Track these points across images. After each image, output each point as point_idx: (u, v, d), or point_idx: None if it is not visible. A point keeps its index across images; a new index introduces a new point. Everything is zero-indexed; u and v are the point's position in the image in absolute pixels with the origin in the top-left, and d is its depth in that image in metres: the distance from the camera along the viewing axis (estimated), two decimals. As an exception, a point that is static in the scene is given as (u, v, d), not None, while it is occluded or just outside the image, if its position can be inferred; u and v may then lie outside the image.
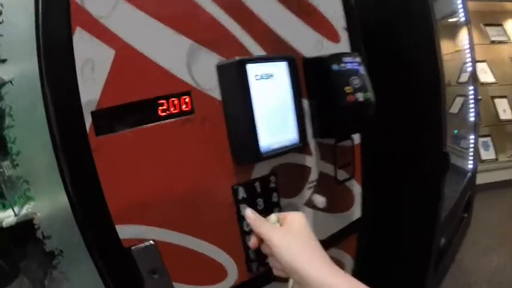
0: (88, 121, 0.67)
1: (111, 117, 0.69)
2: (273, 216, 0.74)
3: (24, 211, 1.14)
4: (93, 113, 0.67)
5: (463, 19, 2.36)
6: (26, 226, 1.10)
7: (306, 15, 1.00)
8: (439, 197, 1.48)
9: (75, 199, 0.70)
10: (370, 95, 0.96)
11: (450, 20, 2.54)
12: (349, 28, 1.12)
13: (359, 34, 1.15)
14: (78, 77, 0.66)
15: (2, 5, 0.90)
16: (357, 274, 1.27)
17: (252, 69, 0.76)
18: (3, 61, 0.87)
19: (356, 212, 1.19)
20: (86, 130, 0.67)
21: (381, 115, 1.01)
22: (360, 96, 0.92)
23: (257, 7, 0.88)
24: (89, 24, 0.68)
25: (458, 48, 2.73)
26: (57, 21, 0.67)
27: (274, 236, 0.68)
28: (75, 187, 0.69)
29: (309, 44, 0.98)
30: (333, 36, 1.07)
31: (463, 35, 2.55)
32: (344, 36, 1.10)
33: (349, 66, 0.92)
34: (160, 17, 0.75)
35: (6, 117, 0.86)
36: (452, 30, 2.61)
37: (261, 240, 0.73)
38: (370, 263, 1.34)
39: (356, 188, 1.16)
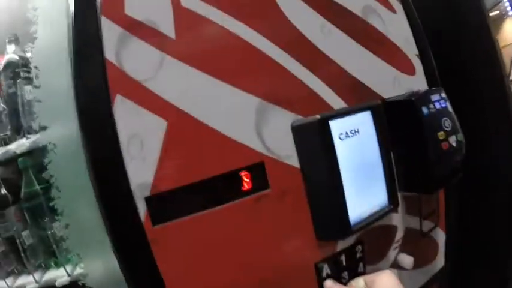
0: (142, 209, 0.55)
1: (169, 203, 0.56)
2: (361, 282, 0.62)
3: (76, 271, 1.07)
4: (147, 199, 0.55)
5: (508, 10, 2.13)
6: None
7: (378, 47, 0.86)
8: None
9: None
10: (462, 136, 0.80)
11: (491, 13, 2.32)
12: (422, 54, 0.97)
13: (431, 60, 0.99)
14: (124, 157, 0.54)
15: (37, 67, 0.82)
16: None
17: (335, 126, 0.63)
18: (44, 128, 0.78)
19: (440, 261, 1.02)
20: (140, 220, 0.55)
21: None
22: (453, 141, 0.77)
23: (322, 42, 0.75)
24: (131, 90, 0.56)
25: (504, 44, 2.51)
26: (93, 89, 0.56)
27: None
28: (134, 282, 0.58)
29: (386, 81, 0.84)
30: (408, 68, 0.92)
31: (508, 28, 2.33)
32: (418, 65, 0.95)
33: (438, 106, 0.77)
34: (217, 72, 0.61)
35: (52, 189, 0.77)
36: (494, 24, 2.38)
37: None
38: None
39: (440, 236, 0.99)
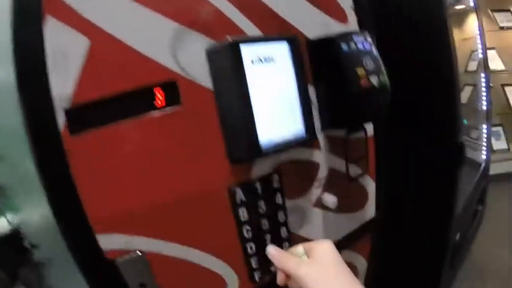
0: (61, 118, 0.56)
1: (86, 114, 0.58)
2: (300, 248, 0.64)
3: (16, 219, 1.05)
4: (66, 109, 0.56)
5: (471, 5, 2.25)
6: (16, 234, 1.02)
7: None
8: (454, 192, 1.35)
9: (52, 208, 0.60)
10: (385, 78, 0.83)
11: (457, 7, 2.43)
12: (357, 7, 0.99)
13: (368, 14, 1.02)
14: (49, 69, 0.55)
15: None
16: (371, 275, 1.17)
17: (247, 51, 0.64)
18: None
19: (370, 210, 1.06)
20: (58, 129, 0.56)
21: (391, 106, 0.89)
22: (374, 80, 0.79)
23: None
24: (60, 11, 0.57)
25: (465, 37, 2.61)
26: (26, 8, 0.57)
27: (303, 271, 0.58)
28: (50, 194, 0.59)
29: (313, 23, 0.85)
30: (340, 16, 0.93)
31: (471, 22, 2.44)
32: (352, 16, 0.96)
33: (360, 46, 0.79)
34: None
35: None
36: (458, 18, 2.50)
37: (287, 277, 0.63)
38: (384, 262, 1.22)
39: (370, 184, 1.03)
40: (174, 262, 0.67)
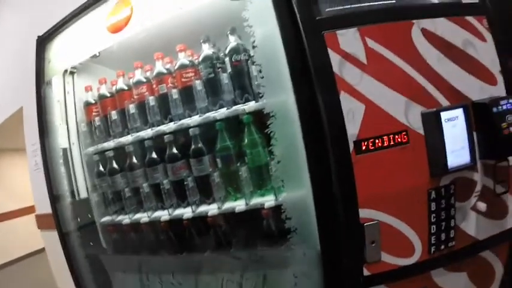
0: (351, 146, 1.63)
1: (364, 144, 1.64)
2: None
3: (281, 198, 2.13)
4: (354, 141, 1.64)
5: None
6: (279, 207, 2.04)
7: (470, 66, 1.91)
8: None
9: (339, 190, 1.67)
10: (522, 128, 1.86)
11: None
12: (503, 71, 2.01)
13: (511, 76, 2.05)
14: (345, 120, 1.66)
15: (262, 67, 1.96)
16: (506, 283, 2.13)
17: (443, 115, 1.70)
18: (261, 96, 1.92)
19: (510, 221, 1.99)
20: (350, 150, 1.64)
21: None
22: (514, 130, 1.83)
23: (438, 67, 1.81)
24: (346, 89, 1.66)
25: None
26: (328, 87, 1.69)
27: None
28: (339, 183, 1.67)
29: (474, 89, 1.87)
30: (491, 80, 1.96)
31: None
32: (500, 78, 1.97)
33: (504, 107, 1.82)
34: (387, 83, 1.68)
35: (272, 140, 1.88)
36: None
37: None
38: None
39: (510, 200, 2.00)
40: (390, 229, 1.69)
